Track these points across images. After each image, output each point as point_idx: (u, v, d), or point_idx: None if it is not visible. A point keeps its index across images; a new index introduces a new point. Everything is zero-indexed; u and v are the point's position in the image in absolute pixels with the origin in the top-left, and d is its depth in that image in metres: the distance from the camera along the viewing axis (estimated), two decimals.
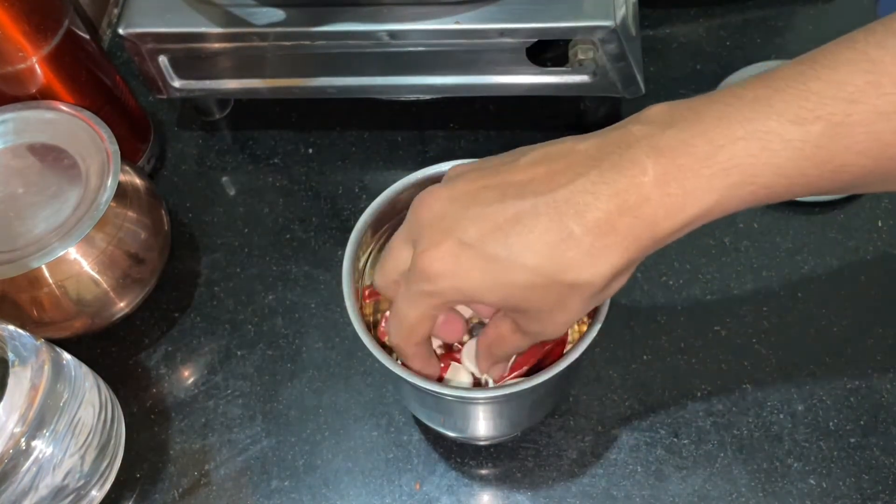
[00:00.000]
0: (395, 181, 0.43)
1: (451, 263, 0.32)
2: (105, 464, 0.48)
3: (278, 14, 0.53)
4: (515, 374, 0.45)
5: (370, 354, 0.38)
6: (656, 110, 0.32)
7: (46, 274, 0.48)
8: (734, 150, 0.30)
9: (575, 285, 0.32)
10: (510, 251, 0.32)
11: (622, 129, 0.32)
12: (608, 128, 0.33)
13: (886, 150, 0.29)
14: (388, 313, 0.48)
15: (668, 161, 0.30)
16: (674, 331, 0.54)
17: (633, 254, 0.31)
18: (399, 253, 0.35)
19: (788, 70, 0.31)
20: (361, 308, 0.42)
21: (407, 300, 0.35)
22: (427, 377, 0.39)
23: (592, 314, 0.41)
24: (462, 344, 0.46)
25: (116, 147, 0.50)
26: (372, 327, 0.47)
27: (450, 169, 0.37)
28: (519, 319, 0.35)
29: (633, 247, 0.31)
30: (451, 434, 0.49)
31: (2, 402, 0.41)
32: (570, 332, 0.46)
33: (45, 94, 0.53)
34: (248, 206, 0.61)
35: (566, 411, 0.51)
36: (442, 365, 0.46)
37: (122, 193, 0.51)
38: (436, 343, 0.45)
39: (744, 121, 0.30)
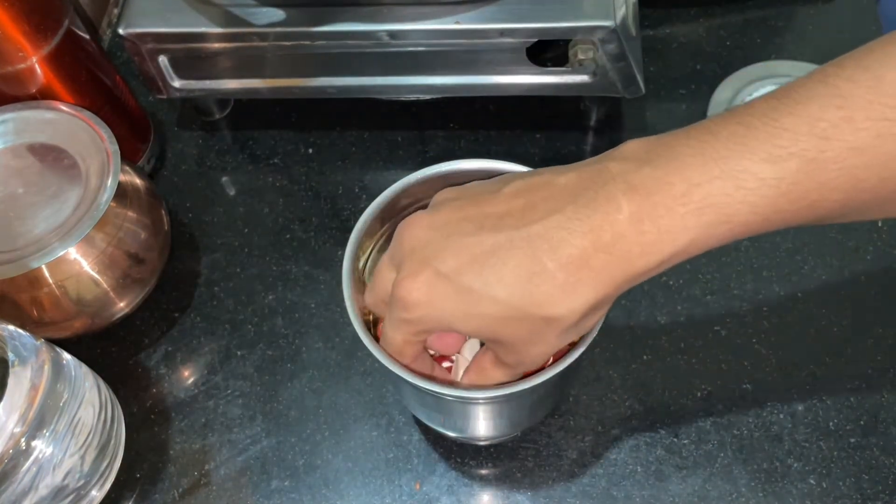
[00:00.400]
0: (395, 181, 0.43)
1: (427, 293, 0.33)
2: (105, 464, 0.48)
3: (278, 14, 0.54)
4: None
5: (370, 354, 0.38)
6: (633, 147, 0.33)
7: (46, 274, 0.48)
8: (710, 188, 0.30)
9: (548, 319, 0.32)
10: (483, 283, 0.32)
11: (600, 164, 0.33)
12: (587, 161, 0.34)
13: (859, 184, 0.30)
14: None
15: (642, 199, 0.31)
16: (674, 331, 0.54)
17: (607, 290, 0.32)
18: (386, 275, 0.36)
19: (762, 105, 0.31)
20: (361, 308, 0.42)
21: (390, 325, 0.36)
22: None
23: None
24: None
25: (116, 147, 0.50)
26: (372, 327, 0.47)
27: (436, 194, 0.37)
28: (497, 350, 0.36)
29: (606, 283, 0.31)
30: (451, 434, 0.49)
31: (2, 402, 0.41)
32: None
33: (44, 94, 0.53)
34: (248, 206, 0.61)
35: (566, 411, 0.51)
36: (447, 364, 0.46)
37: (122, 193, 0.51)
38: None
39: (719, 159, 0.30)
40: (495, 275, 0.32)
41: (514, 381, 0.38)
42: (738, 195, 0.30)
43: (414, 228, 0.35)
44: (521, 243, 0.32)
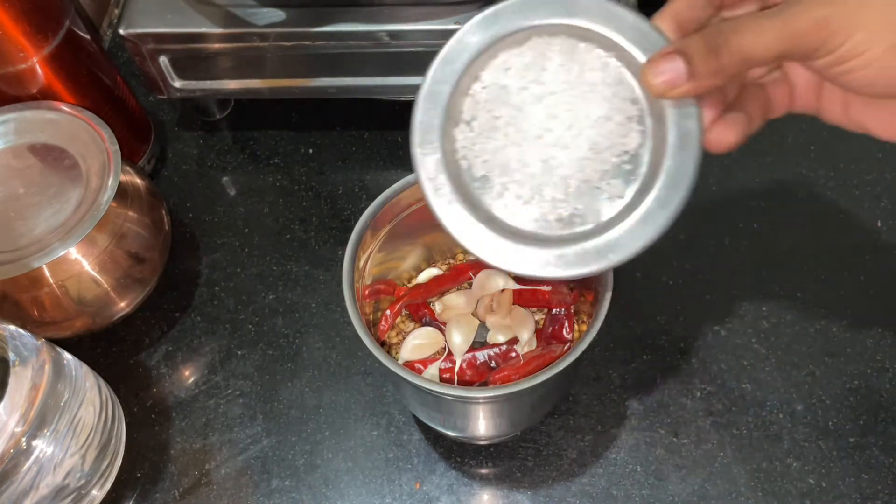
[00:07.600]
0: (395, 181, 0.43)
1: None
2: (106, 463, 0.48)
3: (278, 14, 0.54)
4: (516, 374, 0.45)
5: (370, 354, 0.38)
6: None
7: (47, 274, 0.48)
8: None
9: None
10: None
11: None
12: None
13: None
14: (388, 312, 0.48)
15: None
16: (674, 331, 0.54)
17: None
18: None
19: None
20: (361, 308, 0.42)
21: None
22: None
23: (592, 313, 0.41)
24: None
25: (117, 147, 0.50)
26: (372, 327, 0.47)
27: None
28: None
29: None
30: (451, 433, 0.49)
31: (3, 402, 0.41)
32: (571, 331, 0.46)
33: (45, 95, 0.53)
34: (248, 206, 0.61)
35: (566, 411, 0.51)
36: (445, 365, 0.46)
37: (122, 193, 0.51)
38: (420, 345, 0.46)
39: None
40: None
41: (514, 381, 0.38)
42: None
43: None
44: None
